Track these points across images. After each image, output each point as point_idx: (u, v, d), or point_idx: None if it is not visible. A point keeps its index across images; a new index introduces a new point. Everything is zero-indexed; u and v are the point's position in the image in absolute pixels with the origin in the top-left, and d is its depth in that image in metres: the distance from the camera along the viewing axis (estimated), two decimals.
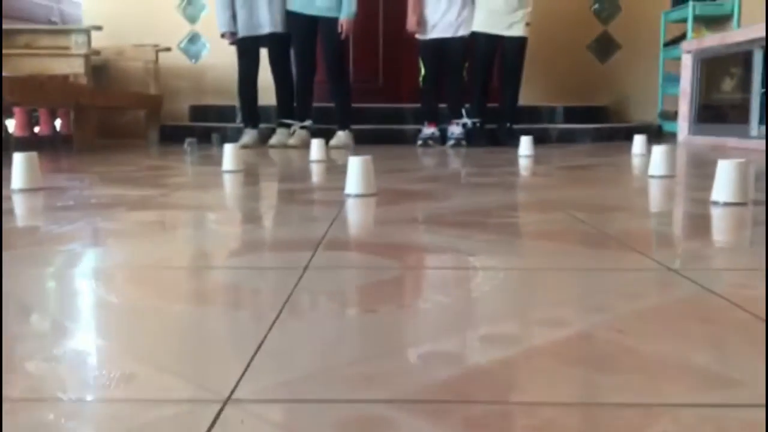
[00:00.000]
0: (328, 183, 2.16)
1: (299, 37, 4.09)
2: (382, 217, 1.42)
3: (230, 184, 2.13)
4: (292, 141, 4.10)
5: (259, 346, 0.58)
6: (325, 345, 0.60)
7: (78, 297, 0.78)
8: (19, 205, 1.59)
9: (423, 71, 4.31)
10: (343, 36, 4.02)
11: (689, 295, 0.77)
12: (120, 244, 1.10)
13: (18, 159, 1.79)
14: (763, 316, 0.68)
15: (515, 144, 3.63)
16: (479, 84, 4.25)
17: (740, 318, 0.68)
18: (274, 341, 0.60)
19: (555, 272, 0.91)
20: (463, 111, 4.25)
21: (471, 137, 4.22)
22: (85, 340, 0.63)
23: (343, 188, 1.74)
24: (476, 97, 4.26)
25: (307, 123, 4.19)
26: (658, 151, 2.19)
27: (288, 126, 4.21)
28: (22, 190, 1.76)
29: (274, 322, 0.65)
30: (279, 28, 4.06)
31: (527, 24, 4.15)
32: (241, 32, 4.09)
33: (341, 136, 4.18)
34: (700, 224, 1.35)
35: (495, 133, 4.31)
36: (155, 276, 0.88)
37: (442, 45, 4.19)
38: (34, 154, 1.82)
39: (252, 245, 1.10)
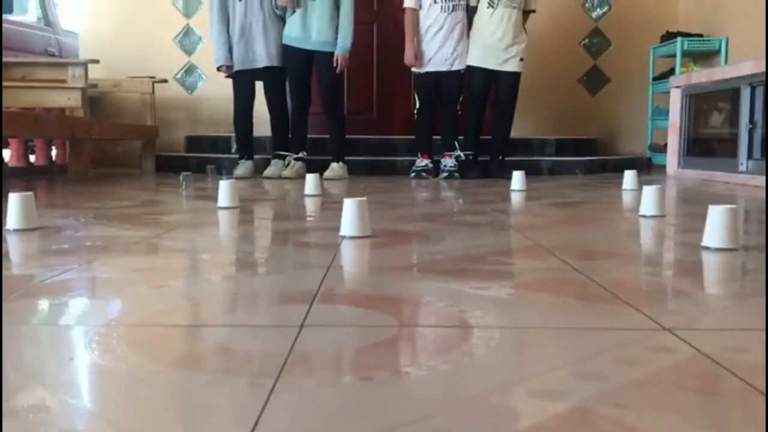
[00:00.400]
0: (322, 222, 2.17)
1: (295, 70, 4.16)
2: (377, 264, 1.43)
3: (225, 223, 2.13)
4: (286, 172, 4.14)
5: (255, 424, 0.58)
6: (322, 421, 0.60)
7: (66, 361, 0.78)
8: (14, 247, 1.59)
9: (417, 104, 4.36)
10: (338, 71, 4.09)
11: (685, 361, 0.77)
12: (112, 296, 1.10)
13: (14, 199, 1.79)
14: (758, 385, 0.68)
15: (507, 176, 3.66)
16: (473, 117, 4.31)
17: (737, 388, 0.68)
18: (270, 418, 0.60)
19: (550, 332, 0.91)
20: (457, 143, 4.30)
21: (464, 169, 4.26)
22: (72, 414, 0.63)
23: (337, 228, 1.75)
24: (470, 131, 4.32)
25: (302, 155, 4.25)
26: (649, 191, 2.21)
27: (283, 157, 4.25)
28: (17, 231, 1.76)
29: (270, 393, 0.66)
30: (275, 62, 4.13)
31: (521, 59, 4.24)
32: (237, 66, 4.15)
33: (336, 168, 4.22)
34: (692, 273, 1.36)
35: (487, 165, 4.36)
36: (147, 336, 0.88)
37: (437, 78, 4.25)
38: (30, 194, 1.82)
39: (247, 298, 1.10)
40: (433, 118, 4.36)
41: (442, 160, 4.30)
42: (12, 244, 1.63)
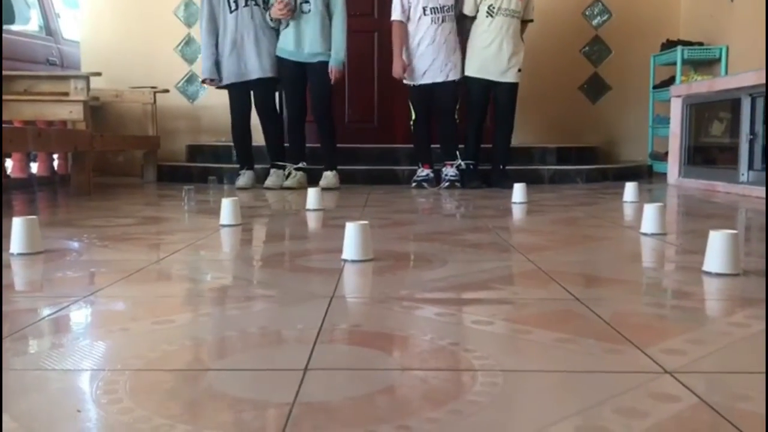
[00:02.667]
0: (324, 243, 2.17)
1: (290, 82, 4.18)
2: (379, 293, 1.43)
3: (227, 243, 2.14)
4: (288, 183, 4.17)
5: None
6: None
7: (73, 413, 0.78)
8: (18, 274, 1.60)
9: (413, 115, 4.35)
10: (333, 81, 4.11)
11: (687, 410, 0.78)
12: (117, 334, 1.11)
13: (18, 223, 1.80)
14: None
15: (508, 186, 3.67)
16: (473, 127, 4.31)
17: None
18: None
19: (552, 377, 0.92)
20: (457, 152, 4.29)
21: (465, 179, 4.27)
22: None
23: (339, 249, 1.76)
24: (470, 140, 4.32)
25: (302, 164, 4.24)
26: (650, 209, 2.23)
27: (282, 167, 4.25)
28: (21, 255, 1.77)
29: None
30: (267, 74, 4.12)
31: (519, 70, 4.25)
32: (231, 78, 4.12)
33: (329, 177, 4.23)
34: (694, 303, 1.36)
35: (489, 174, 4.37)
36: (152, 383, 0.89)
37: (431, 90, 4.24)
38: (34, 218, 1.83)
39: (251, 335, 1.11)
40: (430, 127, 4.36)
41: (443, 169, 4.31)
42: (16, 270, 1.64)
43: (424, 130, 4.35)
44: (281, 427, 0.73)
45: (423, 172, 4.34)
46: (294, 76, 4.13)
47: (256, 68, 4.09)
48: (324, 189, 4.00)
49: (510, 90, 4.25)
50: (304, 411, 0.78)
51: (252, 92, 4.20)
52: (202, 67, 4.21)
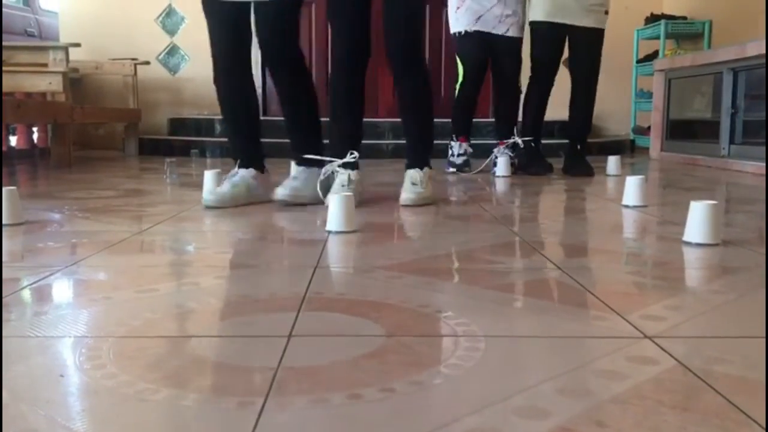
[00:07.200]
0: (308, 215, 2.16)
1: None
2: (362, 264, 1.44)
3: (210, 216, 2.13)
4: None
5: None
6: None
7: (56, 378, 0.78)
8: None
9: (460, 77, 3.42)
10: None
11: (666, 373, 0.79)
12: (100, 303, 1.11)
13: None
14: (736, 401, 0.71)
15: (590, 172, 3.24)
16: (538, 95, 3.38)
17: (716, 405, 0.70)
18: None
19: (534, 341, 0.93)
20: (515, 128, 3.47)
21: (525, 162, 3.45)
22: None
23: (324, 221, 1.76)
24: (532, 111, 3.42)
25: (352, 156, 2.27)
26: (631, 181, 2.25)
27: (315, 163, 2.30)
28: (2, 226, 1.75)
29: (260, 414, 0.67)
30: None
31: (606, 12, 3.26)
32: None
33: (418, 182, 2.30)
34: (674, 272, 1.38)
35: (573, 159, 3.46)
36: (136, 349, 0.88)
37: (489, 42, 3.33)
38: (14, 189, 1.80)
39: (235, 303, 1.11)
40: (478, 93, 3.49)
41: (495, 150, 3.51)
42: None
43: (474, 93, 3.44)
44: (266, 390, 0.73)
45: (460, 148, 3.51)
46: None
47: None
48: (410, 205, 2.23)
49: (595, 38, 3.24)
50: (289, 375, 0.78)
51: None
52: None
